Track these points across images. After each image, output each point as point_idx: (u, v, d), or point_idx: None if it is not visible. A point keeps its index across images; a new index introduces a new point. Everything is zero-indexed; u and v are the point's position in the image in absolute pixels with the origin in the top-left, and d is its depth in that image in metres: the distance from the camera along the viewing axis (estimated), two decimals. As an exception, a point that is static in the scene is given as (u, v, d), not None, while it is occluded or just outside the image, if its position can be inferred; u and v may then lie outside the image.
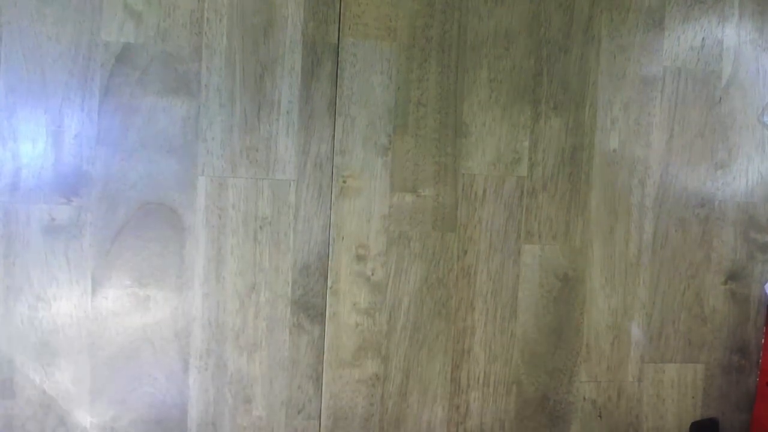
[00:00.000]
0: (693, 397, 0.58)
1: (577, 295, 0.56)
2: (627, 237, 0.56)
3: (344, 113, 0.52)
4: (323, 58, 0.52)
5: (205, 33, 0.50)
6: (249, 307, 0.52)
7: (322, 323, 0.52)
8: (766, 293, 0.58)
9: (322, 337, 0.52)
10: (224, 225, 0.51)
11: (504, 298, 0.55)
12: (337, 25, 0.52)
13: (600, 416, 0.57)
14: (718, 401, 0.58)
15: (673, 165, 0.57)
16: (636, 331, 0.57)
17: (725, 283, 0.58)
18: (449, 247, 0.54)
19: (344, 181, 0.52)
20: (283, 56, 0.51)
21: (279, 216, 0.51)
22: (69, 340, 0.50)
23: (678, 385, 0.57)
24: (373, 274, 0.53)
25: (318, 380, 0.52)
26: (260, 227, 0.51)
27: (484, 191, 0.54)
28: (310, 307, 0.52)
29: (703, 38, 0.57)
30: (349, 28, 0.52)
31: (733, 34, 0.57)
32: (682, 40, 0.57)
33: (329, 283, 0.52)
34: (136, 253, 0.50)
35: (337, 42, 0.52)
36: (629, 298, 0.56)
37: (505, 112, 0.54)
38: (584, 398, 0.56)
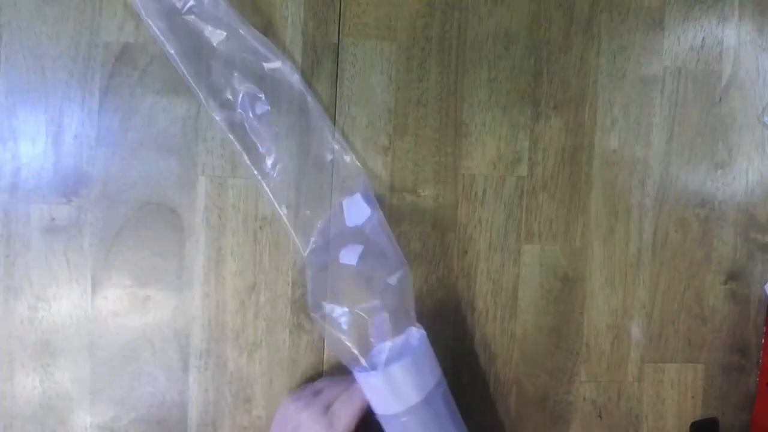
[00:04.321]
0: (693, 397, 0.58)
1: (577, 295, 0.56)
2: (627, 237, 0.56)
3: (344, 113, 0.52)
4: (323, 58, 0.52)
5: (205, 33, 0.50)
6: (249, 307, 0.52)
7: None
8: (766, 293, 0.58)
9: (321, 337, 0.52)
10: (224, 225, 0.51)
11: (504, 298, 0.55)
12: (337, 25, 0.52)
13: (600, 416, 0.57)
14: (718, 401, 0.58)
15: (673, 165, 0.57)
16: (636, 331, 0.57)
17: (725, 283, 0.58)
18: (449, 247, 0.54)
19: (344, 182, 0.52)
20: (283, 56, 0.51)
21: (279, 216, 0.51)
22: (69, 340, 0.50)
23: (678, 385, 0.58)
24: (373, 274, 0.52)
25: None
26: (260, 227, 0.51)
27: (484, 191, 0.54)
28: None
29: (703, 38, 0.57)
30: (349, 28, 0.52)
31: (733, 34, 0.57)
32: (682, 40, 0.57)
33: (329, 284, 0.52)
34: (136, 252, 0.50)
35: (337, 42, 0.52)
36: (629, 298, 0.56)
37: (505, 112, 0.54)
38: (584, 398, 0.56)
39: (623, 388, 0.57)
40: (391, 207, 0.53)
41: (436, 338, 0.53)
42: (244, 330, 0.52)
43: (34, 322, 0.50)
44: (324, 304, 0.47)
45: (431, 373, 0.45)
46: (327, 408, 0.45)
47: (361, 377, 0.45)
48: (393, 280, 0.47)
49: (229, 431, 0.52)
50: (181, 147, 0.50)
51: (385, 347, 0.45)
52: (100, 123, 0.50)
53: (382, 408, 0.44)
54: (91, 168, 0.50)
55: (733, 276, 0.58)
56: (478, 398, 0.54)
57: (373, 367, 0.44)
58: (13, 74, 0.49)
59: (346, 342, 0.46)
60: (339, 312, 0.47)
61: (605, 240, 0.56)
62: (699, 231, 0.57)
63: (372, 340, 0.46)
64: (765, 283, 0.58)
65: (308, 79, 0.52)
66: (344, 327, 0.46)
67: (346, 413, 0.45)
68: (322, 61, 0.52)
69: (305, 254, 0.50)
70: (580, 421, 0.56)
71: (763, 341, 0.58)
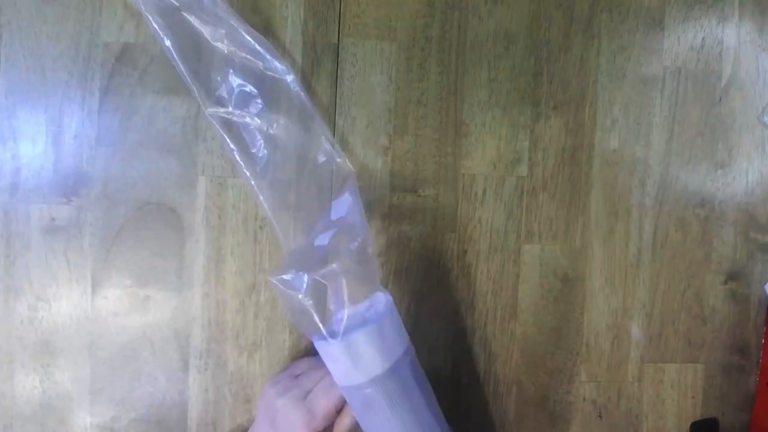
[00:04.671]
0: (693, 397, 0.58)
1: (577, 295, 0.56)
2: (627, 237, 0.56)
3: (344, 113, 0.52)
4: (323, 58, 0.52)
5: (205, 33, 0.50)
6: (249, 307, 0.52)
7: (322, 323, 0.52)
8: (766, 293, 0.58)
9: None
10: (224, 225, 0.51)
11: (504, 298, 0.55)
12: (337, 25, 0.52)
13: (600, 416, 0.57)
14: (718, 401, 0.58)
15: (673, 165, 0.57)
16: (636, 331, 0.57)
17: (725, 283, 0.58)
18: (449, 247, 0.54)
19: (336, 182, 0.52)
20: (283, 56, 0.51)
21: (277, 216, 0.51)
22: (69, 340, 0.50)
23: (678, 385, 0.58)
24: (373, 274, 0.52)
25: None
26: (260, 227, 0.51)
27: (484, 191, 0.54)
28: (310, 307, 0.52)
29: (703, 38, 0.57)
30: (349, 28, 0.52)
31: (733, 34, 0.57)
32: (682, 40, 0.57)
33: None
34: (136, 252, 0.50)
35: (337, 42, 0.52)
36: (629, 298, 0.56)
37: (505, 112, 0.54)
38: (584, 398, 0.56)
39: (623, 388, 0.57)
40: (391, 207, 0.53)
41: (436, 338, 0.54)
42: (244, 330, 0.52)
43: (34, 322, 0.50)
44: (283, 270, 0.43)
45: (397, 342, 0.42)
46: (306, 393, 0.44)
47: (320, 346, 0.42)
48: (353, 245, 0.44)
49: (229, 431, 0.52)
50: (181, 147, 0.50)
51: (345, 314, 0.41)
52: (100, 123, 0.50)
53: (343, 379, 0.42)
54: (91, 168, 0.50)
55: (733, 276, 0.58)
56: (478, 398, 0.54)
57: (333, 335, 0.41)
58: (13, 74, 0.49)
59: (304, 308, 0.42)
60: (296, 278, 0.42)
61: (605, 240, 0.56)
62: (699, 231, 0.57)
63: (331, 307, 0.43)
64: (765, 283, 0.58)
65: (308, 79, 0.52)
66: (302, 293, 0.42)
67: (327, 400, 0.43)
68: (322, 61, 0.52)
69: (287, 252, 0.49)
70: (580, 421, 0.56)
71: (763, 341, 0.58)
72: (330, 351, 0.41)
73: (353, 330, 0.40)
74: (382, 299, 0.44)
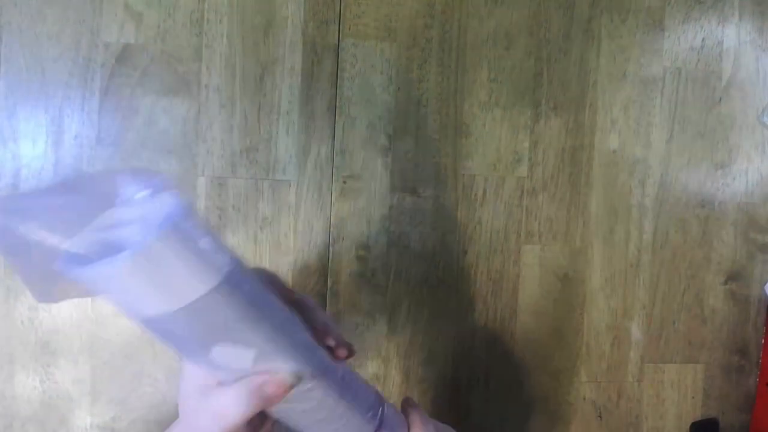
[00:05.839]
0: (693, 397, 0.58)
1: (577, 296, 0.56)
2: (627, 237, 0.56)
3: (344, 114, 0.52)
4: (323, 58, 0.52)
5: (205, 33, 0.50)
6: (249, 307, 0.52)
7: (322, 323, 0.52)
8: (766, 293, 0.58)
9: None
10: (224, 225, 0.51)
11: (504, 299, 0.55)
12: (337, 25, 0.52)
13: (600, 417, 0.57)
14: (718, 401, 0.58)
15: (673, 165, 0.57)
16: (636, 332, 0.57)
17: (725, 283, 0.58)
18: (449, 248, 0.54)
19: (344, 182, 0.52)
20: (283, 57, 0.51)
21: (279, 216, 0.51)
22: (69, 340, 0.50)
23: (678, 386, 0.58)
24: (373, 275, 0.53)
25: (318, 380, 0.52)
26: (260, 228, 0.51)
27: (484, 191, 0.54)
28: (310, 307, 0.52)
29: (703, 38, 0.57)
30: (349, 29, 0.52)
31: (733, 35, 0.57)
32: (682, 41, 0.57)
33: (329, 284, 0.52)
34: (137, 253, 0.50)
35: (337, 42, 0.52)
36: (629, 298, 0.56)
37: (506, 112, 0.54)
38: (584, 398, 0.56)
39: (623, 389, 0.57)
40: (391, 207, 0.53)
41: (436, 338, 0.54)
42: (245, 330, 0.52)
43: (35, 322, 0.50)
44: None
45: (196, 273, 0.24)
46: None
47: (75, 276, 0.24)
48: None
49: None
50: (181, 147, 0.50)
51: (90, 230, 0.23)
52: (100, 123, 0.50)
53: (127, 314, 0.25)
54: (91, 168, 0.50)
55: (733, 276, 0.58)
56: (478, 398, 0.54)
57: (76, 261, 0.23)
58: (14, 75, 0.49)
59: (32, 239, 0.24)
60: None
61: (605, 240, 0.56)
62: (699, 231, 0.57)
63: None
64: (765, 283, 0.58)
65: (308, 79, 0.52)
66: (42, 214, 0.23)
67: None
68: (322, 62, 0.52)
69: None
70: (580, 422, 0.56)
71: (763, 341, 0.58)
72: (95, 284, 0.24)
73: (102, 257, 0.23)
74: (167, 203, 0.24)
